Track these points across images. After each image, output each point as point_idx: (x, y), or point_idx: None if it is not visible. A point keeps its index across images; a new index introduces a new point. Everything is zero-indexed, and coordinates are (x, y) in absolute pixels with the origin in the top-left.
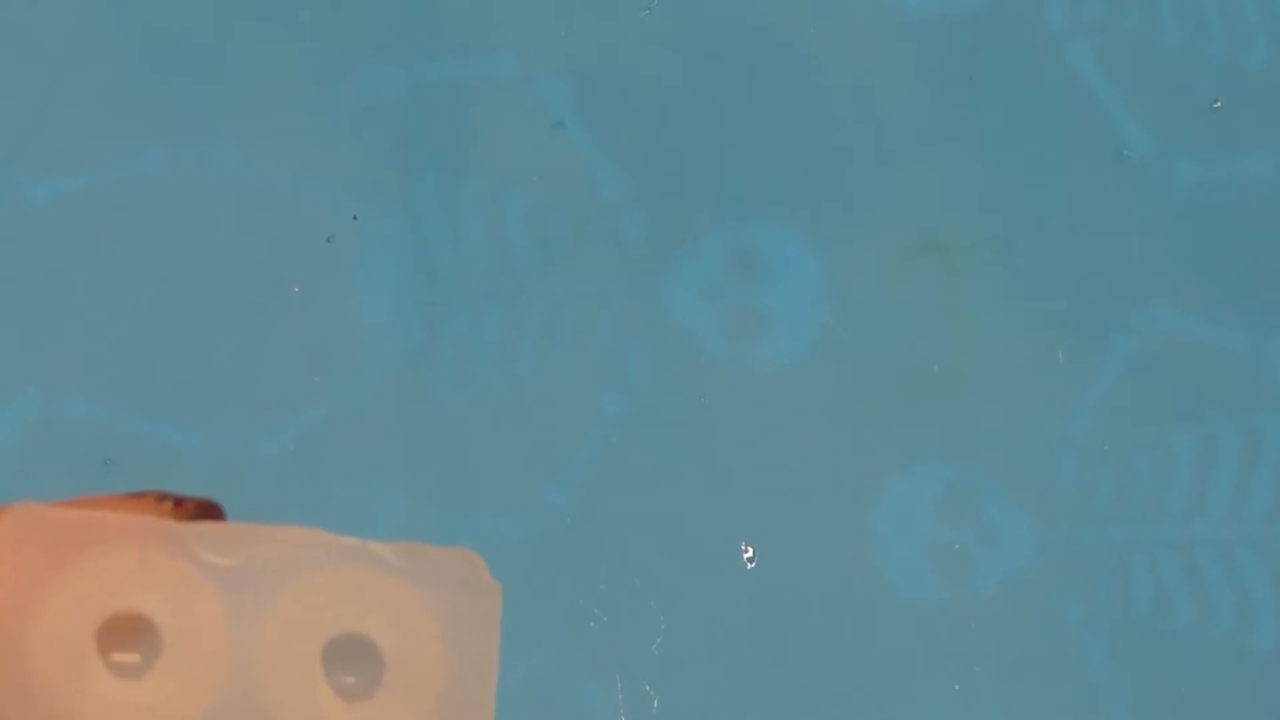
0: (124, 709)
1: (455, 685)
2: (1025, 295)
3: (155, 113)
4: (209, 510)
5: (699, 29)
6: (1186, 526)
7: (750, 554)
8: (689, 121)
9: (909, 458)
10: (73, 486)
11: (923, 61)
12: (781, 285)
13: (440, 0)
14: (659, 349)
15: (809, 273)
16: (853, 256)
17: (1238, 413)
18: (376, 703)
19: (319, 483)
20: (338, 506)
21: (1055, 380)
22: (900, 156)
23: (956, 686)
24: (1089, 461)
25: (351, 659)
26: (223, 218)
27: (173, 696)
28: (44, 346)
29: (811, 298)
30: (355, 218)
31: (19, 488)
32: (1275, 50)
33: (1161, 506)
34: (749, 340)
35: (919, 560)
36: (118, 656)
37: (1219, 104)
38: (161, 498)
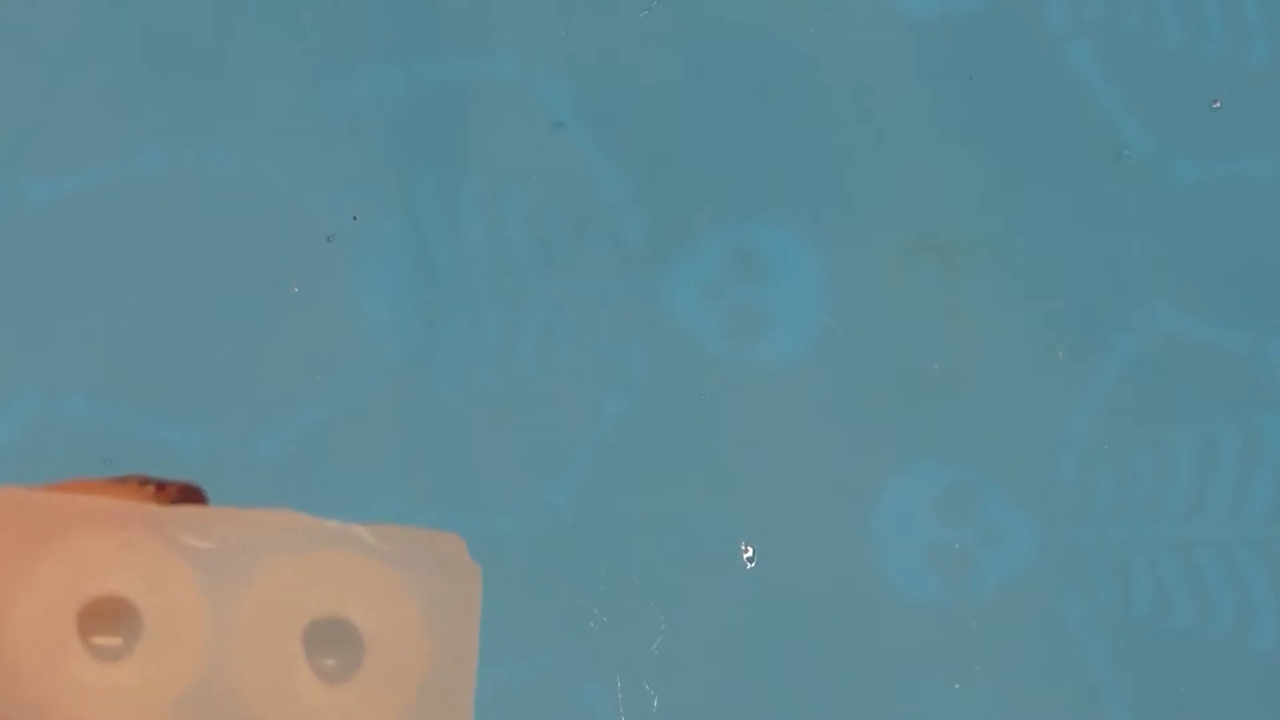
0: (104, 693)
1: (435, 669)
2: (1025, 295)
3: (155, 113)
4: (191, 495)
5: (699, 29)
6: (1186, 526)
7: (750, 554)
8: (689, 121)
9: (909, 458)
10: None
11: (923, 61)
12: (781, 285)
13: (440, 0)
14: (659, 349)
15: (809, 273)
16: (853, 256)
17: (1238, 413)
18: (356, 684)
19: (319, 483)
20: (338, 506)
21: (1055, 380)
22: (900, 156)
23: (956, 686)
24: (1089, 461)
25: (332, 641)
26: (223, 218)
27: (153, 679)
28: (44, 346)
29: (811, 298)
30: (355, 218)
31: None
32: (1275, 50)
33: (1161, 506)
34: (749, 340)
35: (919, 560)
36: (98, 639)
37: (1219, 104)
38: (144, 482)
